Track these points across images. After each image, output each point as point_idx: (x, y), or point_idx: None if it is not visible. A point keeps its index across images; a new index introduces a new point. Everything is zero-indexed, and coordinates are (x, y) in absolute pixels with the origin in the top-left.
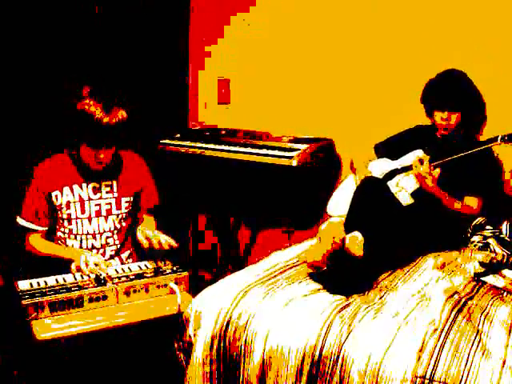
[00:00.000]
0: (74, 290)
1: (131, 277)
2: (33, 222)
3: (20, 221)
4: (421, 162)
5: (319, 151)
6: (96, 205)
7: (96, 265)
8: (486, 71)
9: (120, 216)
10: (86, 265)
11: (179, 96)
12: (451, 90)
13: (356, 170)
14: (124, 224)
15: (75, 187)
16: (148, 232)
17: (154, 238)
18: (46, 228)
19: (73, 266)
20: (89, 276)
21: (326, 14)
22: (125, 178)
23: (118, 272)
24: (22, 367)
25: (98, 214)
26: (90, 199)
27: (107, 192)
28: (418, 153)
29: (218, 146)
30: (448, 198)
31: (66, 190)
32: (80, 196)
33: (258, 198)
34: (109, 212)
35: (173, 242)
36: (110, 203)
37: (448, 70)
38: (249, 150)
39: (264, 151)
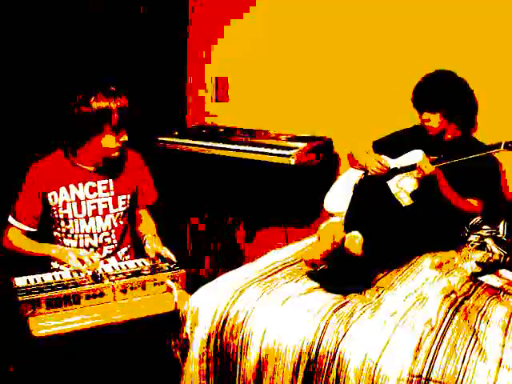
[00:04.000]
0: (71, 287)
1: (128, 274)
2: (22, 222)
3: (11, 220)
4: (425, 165)
5: (317, 150)
6: (93, 204)
7: (91, 260)
8: (482, 71)
9: (117, 214)
10: (82, 262)
11: (178, 94)
12: (426, 91)
13: (358, 160)
14: (121, 222)
15: (71, 187)
16: (156, 247)
17: (164, 255)
18: (34, 230)
19: (70, 262)
20: (86, 273)
21: (324, 14)
22: (122, 176)
23: (114, 269)
24: (18, 364)
25: (95, 213)
26: (86, 199)
27: (104, 191)
28: (419, 153)
29: (216, 144)
30: (457, 197)
31: (63, 189)
32: (76, 196)
33: (256, 196)
34: (106, 211)
35: (173, 259)
36: (107, 202)
37: (434, 71)
38: (247, 148)
39: (262, 149)
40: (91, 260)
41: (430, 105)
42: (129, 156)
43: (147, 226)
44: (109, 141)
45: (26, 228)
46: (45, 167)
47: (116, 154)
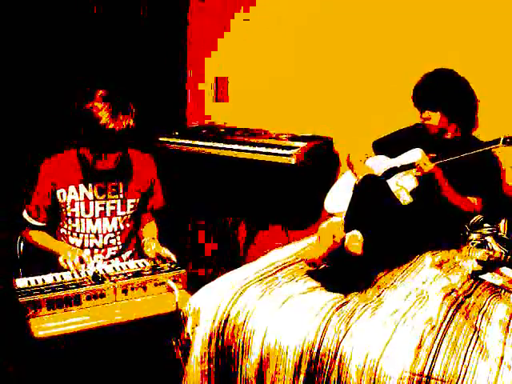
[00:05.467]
0: (72, 288)
1: (129, 274)
2: (35, 218)
3: (25, 216)
4: (425, 163)
5: (318, 149)
6: (101, 205)
7: (81, 260)
8: (482, 70)
9: (124, 217)
10: (72, 263)
11: (178, 94)
12: (426, 89)
13: (353, 167)
14: (128, 225)
15: (81, 186)
16: (155, 249)
17: (163, 255)
18: (45, 224)
19: (60, 259)
20: (84, 273)
21: (325, 14)
22: (132, 180)
23: (115, 270)
24: (20, 365)
25: (103, 214)
26: (95, 199)
27: (113, 193)
28: (418, 151)
29: (216, 144)
30: (456, 196)
31: (72, 188)
32: (85, 195)
33: (257, 196)
34: (113, 213)
35: (174, 259)
36: (115, 204)
37: (434, 70)
38: (247, 147)
39: (263, 149)
40: (80, 260)
41: (431, 103)
42: (141, 159)
43: (149, 230)
44: (86, 153)
45: (36, 223)
46: (56, 164)
47: (100, 168)
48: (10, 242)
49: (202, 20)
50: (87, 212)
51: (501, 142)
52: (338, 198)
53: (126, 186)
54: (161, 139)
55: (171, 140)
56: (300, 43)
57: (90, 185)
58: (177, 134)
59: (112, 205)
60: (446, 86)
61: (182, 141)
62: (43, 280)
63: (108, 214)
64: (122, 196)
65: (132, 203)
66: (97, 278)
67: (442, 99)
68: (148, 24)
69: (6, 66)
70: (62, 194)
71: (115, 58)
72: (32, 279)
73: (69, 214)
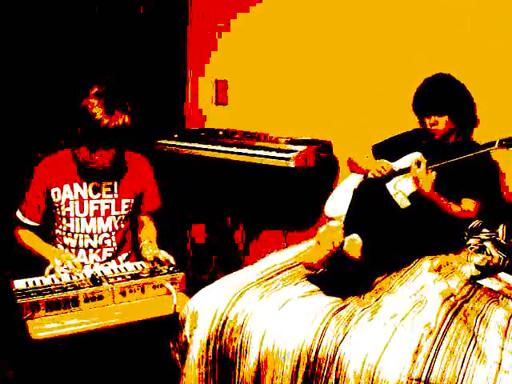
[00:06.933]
0: (70, 290)
1: (127, 277)
2: (29, 217)
3: (19, 215)
4: (418, 164)
5: (317, 153)
6: (95, 204)
7: (73, 266)
8: (480, 74)
9: (119, 217)
10: (61, 271)
11: (177, 96)
12: (434, 94)
13: (359, 166)
14: (123, 226)
15: (75, 185)
16: (155, 252)
17: (162, 257)
18: (38, 224)
19: (47, 270)
20: (82, 276)
21: (325, 18)
22: (127, 180)
23: (113, 272)
24: (17, 366)
25: (97, 213)
26: (89, 198)
27: (107, 192)
28: (416, 155)
29: (215, 147)
30: (445, 202)
31: (66, 187)
32: (80, 195)
33: (256, 199)
34: (108, 213)
35: (172, 261)
36: (110, 204)
37: (434, 75)
38: (246, 150)
39: (262, 152)
40: (74, 265)
41: (438, 108)
42: (136, 160)
43: (147, 233)
44: (83, 151)
45: (30, 222)
46: (51, 163)
47: (93, 166)
48: (8, 242)
49: (203, 22)
50: (81, 211)
51: (496, 144)
52: (338, 202)
53: (121, 185)
54: (160, 142)
55: (170, 142)
56: (300, 47)
57: (85, 184)
58: (176, 136)
59: (106, 204)
60: (452, 90)
61: (182, 143)
62: (41, 281)
63: (102, 213)
64: (116, 196)
65: (126, 203)
66: (95, 280)
67: (449, 103)
68: (148, 25)
69: (6, 66)
70: (56, 193)
71: (114, 59)
72: (30, 281)
73: (63, 214)
